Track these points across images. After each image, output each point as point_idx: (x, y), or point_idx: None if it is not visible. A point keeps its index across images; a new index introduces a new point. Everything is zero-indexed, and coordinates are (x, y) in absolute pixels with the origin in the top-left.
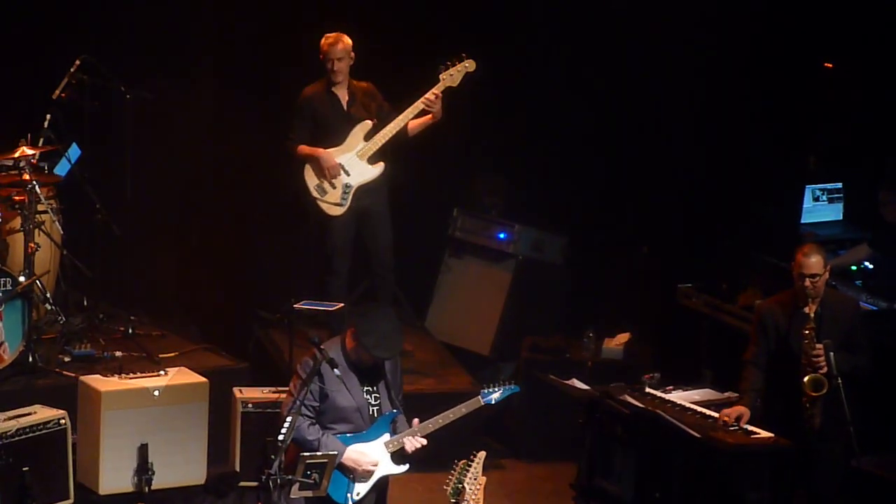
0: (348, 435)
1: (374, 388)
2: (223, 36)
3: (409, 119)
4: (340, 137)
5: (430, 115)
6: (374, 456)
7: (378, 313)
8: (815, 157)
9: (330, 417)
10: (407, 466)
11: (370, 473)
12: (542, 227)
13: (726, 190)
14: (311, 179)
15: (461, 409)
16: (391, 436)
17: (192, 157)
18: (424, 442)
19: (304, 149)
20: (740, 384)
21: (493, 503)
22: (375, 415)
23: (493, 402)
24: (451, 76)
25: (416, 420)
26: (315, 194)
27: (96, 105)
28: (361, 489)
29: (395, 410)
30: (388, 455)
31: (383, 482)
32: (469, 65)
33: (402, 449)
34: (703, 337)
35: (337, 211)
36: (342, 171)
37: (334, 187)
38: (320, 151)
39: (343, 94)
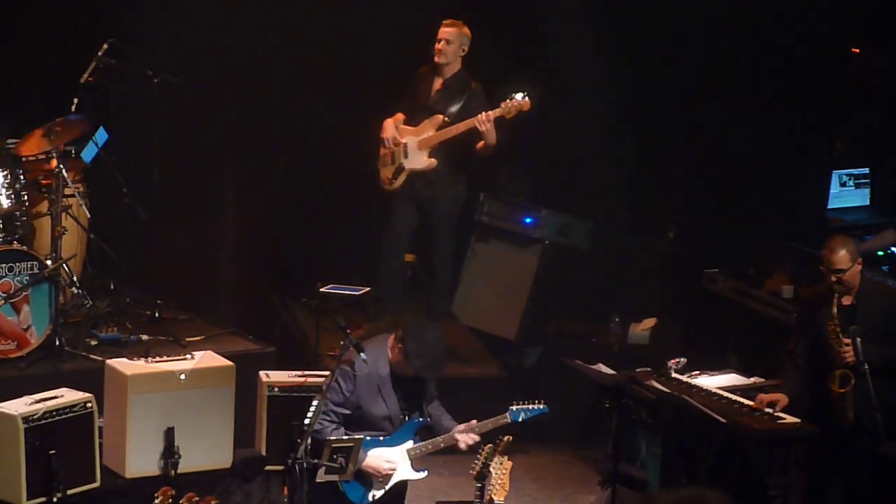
0: (368, 438)
1: (408, 395)
2: (252, 19)
3: (461, 131)
4: (419, 121)
5: (482, 141)
6: (392, 462)
7: (429, 334)
8: (842, 143)
9: (361, 424)
10: (426, 473)
11: (388, 479)
12: (568, 212)
13: (753, 175)
14: (381, 147)
15: (488, 425)
16: (414, 443)
17: (218, 140)
18: (478, 438)
19: (393, 118)
20: (782, 374)
21: (519, 487)
22: (405, 420)
23: (519, 420)
24: (507, 109)
25: (473, 421)
26: (379, 163)
27: (123, 89)
28: (377, 492)
29: (421, 419)
30: (409, 462)
31: (402, 485)
32: (524, 105)
33: (423, 456)
34: (729, 322)
35: (387, 186)
36: (402, 151)
37: (393, 162)
38: (386, 122)
39: (438, 83)
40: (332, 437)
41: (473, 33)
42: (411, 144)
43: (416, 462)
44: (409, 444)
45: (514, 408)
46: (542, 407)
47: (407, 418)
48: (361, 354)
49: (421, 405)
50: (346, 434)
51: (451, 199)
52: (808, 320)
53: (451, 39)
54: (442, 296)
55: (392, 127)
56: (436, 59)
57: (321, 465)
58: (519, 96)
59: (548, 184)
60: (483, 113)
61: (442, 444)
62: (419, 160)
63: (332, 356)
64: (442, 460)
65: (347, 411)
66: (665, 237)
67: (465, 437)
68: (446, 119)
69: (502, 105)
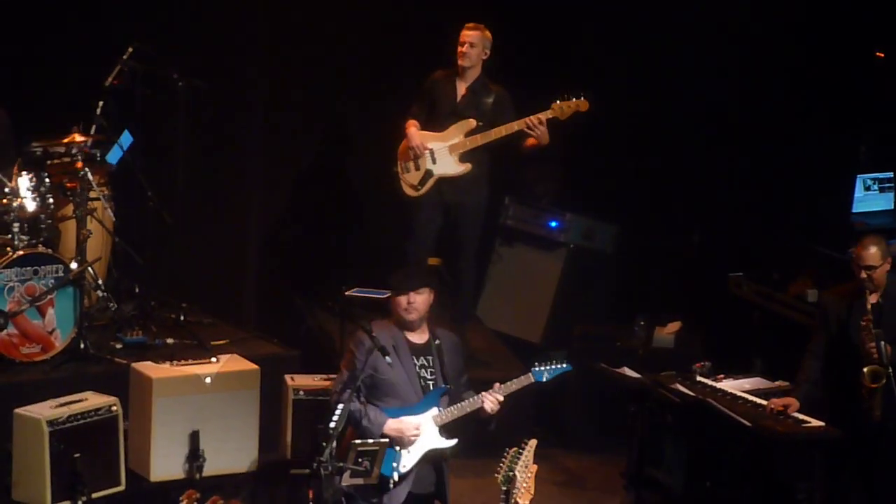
0: (392, 409)
1: (429, 363)
2: (276, 24)
3: (502, 135)
4: (444, 126)
5: (534, 140)
6: (417, 427)
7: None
8: (866, 147)
9: (381, 391)
10: (455, 441)
11: (413, 444)
12: (593, 216)
13: (777, 179)
14: (401, 154)
15: (511, 386)
16: (440, 410)
17: (242, 144)
18: (501, 398)
19: (408, 124)
20: (797, 374)
21: (544, 492)
22: (430, 388)
23: (543, 379)
24: (562, 109)
25: (497, 384)
26: (399, 169)
27: (148, 92)
28: (407, 461)
29: (443, 385)
30: (437, 429)
31: (438, 460)
32: (582, 105)
33: (451, 422)
34: (753, 326)
35: (412, 192)
36: (429, 157)
37: (417, 168)
38: (412, 129)
39: (462, 88)
40: (351, 408)
41: (498, 37)
42: (439, 150)
43: (445, 430)
44: (435, 410)
45: (537, 368)
46: (565, 365)
47: (432, 387)
48: (386, 358)
49: (443, 374)
50: (371, 406)
51: (479, 204)
52: (833, 319)
53: (475, 42)
54: (467, 299)
55: (419, 133)
56: (459, 61)
57: (346, 468)
58: (574, 100)
59: (573, 187)
60: (534, 116)
61: (468, 409)
62: (451, 165)
63: None
64: (468, 464)
65: (370, 371)
66: (689, 241)
67: (489, 397)
68: (480, 123)
69: (553, 106)
